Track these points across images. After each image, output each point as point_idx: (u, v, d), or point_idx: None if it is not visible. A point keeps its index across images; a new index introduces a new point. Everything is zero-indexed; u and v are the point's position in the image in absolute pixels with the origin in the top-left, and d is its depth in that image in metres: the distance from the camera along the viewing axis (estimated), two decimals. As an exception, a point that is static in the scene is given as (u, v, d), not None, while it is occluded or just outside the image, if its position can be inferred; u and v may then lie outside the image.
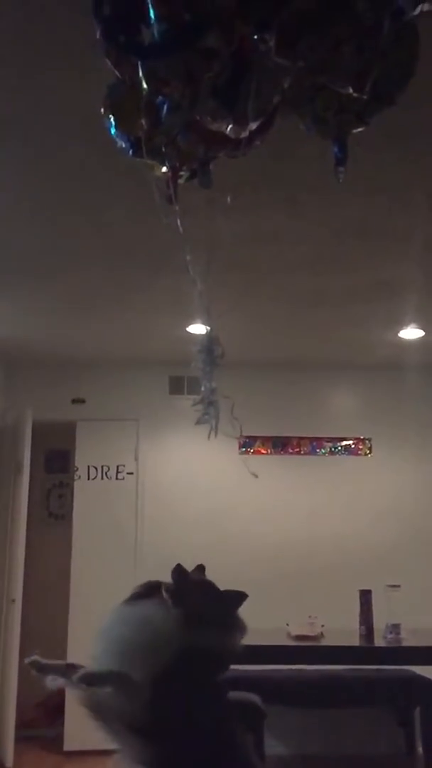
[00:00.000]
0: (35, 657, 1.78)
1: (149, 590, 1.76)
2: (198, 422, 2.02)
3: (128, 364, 6.02)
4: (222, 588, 1.78)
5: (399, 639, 3.91)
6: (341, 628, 4.15)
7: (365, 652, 3.91)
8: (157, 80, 1.47)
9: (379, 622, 4.05)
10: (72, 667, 1.68)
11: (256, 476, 2.52)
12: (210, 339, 2.03)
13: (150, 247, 3.78)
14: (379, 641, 3.93)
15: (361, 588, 4.16)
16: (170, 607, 1.67)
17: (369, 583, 4.18)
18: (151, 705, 1.52)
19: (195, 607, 1.67)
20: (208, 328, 2.09)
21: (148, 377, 6.09)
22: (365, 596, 4.11)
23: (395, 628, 3.95)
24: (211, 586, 1.79)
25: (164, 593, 1.70)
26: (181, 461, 6.05)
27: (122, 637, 1.65)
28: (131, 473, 6.02)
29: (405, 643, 3.89)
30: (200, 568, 1.87)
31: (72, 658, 6.11)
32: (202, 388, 2.01)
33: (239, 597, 1.75)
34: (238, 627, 1.73)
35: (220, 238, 3.52)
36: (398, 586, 4.01)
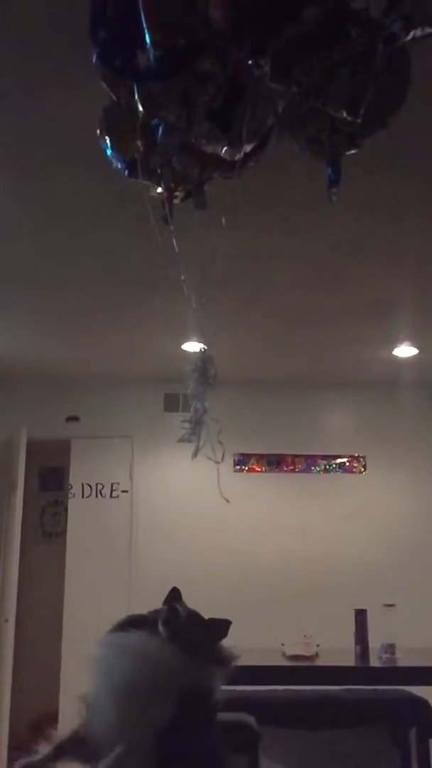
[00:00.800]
0: (24, 762, 1.64)
1: (133, 623, 1.70)
2: (180, 440, 2.01)
3: (123, 382, 6.02)
4: (204, 611, 1.72)
5: (394, 659, 3.89)
6: (336, 647, 4.12)
7: (361, 673, 3.88)
8: (152, 103, 1.49)
9: (375, 642, 4.03)
10: (61, 751, 1.59)
11: (228, 501, 2.49)
12: (204, 359, 2.03)
13: (145, 265, 3.79)
14: (374, 661, 3.90)
15: (356, 607, 4.14)
16: (166, 641, 1.61)
17: (364, 602, 4.16)
18: (159, 758, 1.47)
19: (189, 642, 1.62)
20: (203, 347, 2.09)
21: (142, 394, 6.09)
22: (360, 616, 4.08)
23: (390, 648, 3.92)
24: (198, 616, 1.73)
25: (160, 626, 1.63)
26: (175, 479, 6.03)
27: (121, 675, 1.57)
28: (126, 491, 6.00)
29: (400, 663, 3.86)
30: (175, 593, 1.79)
31: (65, 680, 6.05)
32: (192, 408, 2.01)
33: (225, 626, 1.70)
34: (228, 658, 1.68)
35: (214, 257, 3.53)
36: (393, 605, 3.99)
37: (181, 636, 1.62)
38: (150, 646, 1.60)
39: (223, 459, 2.05)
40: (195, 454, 1.96)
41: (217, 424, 1.98)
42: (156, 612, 1.69)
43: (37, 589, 6.17)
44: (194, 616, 1.73)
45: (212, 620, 1.71)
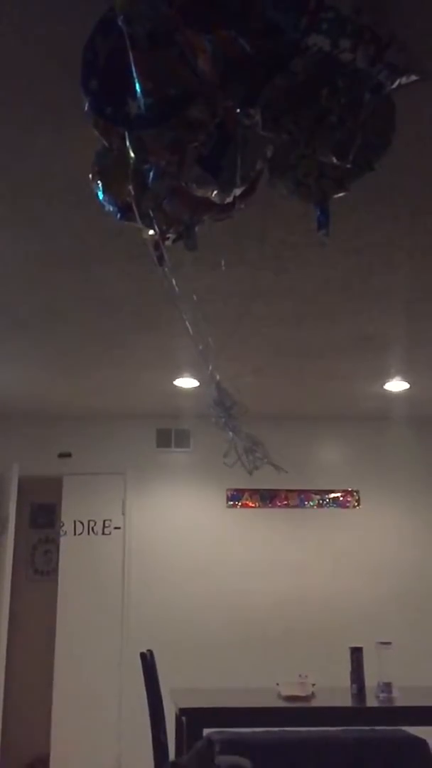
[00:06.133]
0: None
1: None
2: (252, 471, 2.00)
3: (115, 418, 6.01)
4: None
5: (391, 698, 3.83)
6: (332, 686, 4.06)
7: (357, 713, 3.82)
8: (143, 149, 1.51)
9: (371, 680, 3.97)
10: None
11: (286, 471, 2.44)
12: (219, 392, 2.04)
13: (136, 302, 3.82)
14: (371, 700, 3.85)
15: (352, 645, 4.09)
16: None
17: (359, 640, 4.11)
18: None
19: None
20: (217, 379, 2.10)
21: (135, 430, 6.08)
22: (356, 654, 4.03)
23: (387, 687, 3.87)
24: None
25: None
26: (168, 515, 6.00)
27: None
28: (118, 528, 5.95)
29: (397, 703, 3.80)
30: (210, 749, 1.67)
31: (56, 721, 5.94)
32: (231, 440, 2.00)
33: None
34: None
35: (207, 294, 3.56)
36: (389, 643, 3.95)
37: None
38: None
39: (252, 473, 2.05)
40: (280, 471, 1.96)
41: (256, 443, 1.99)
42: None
43: (29, 629, 6.07)
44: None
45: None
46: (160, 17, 1.37)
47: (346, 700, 3.91)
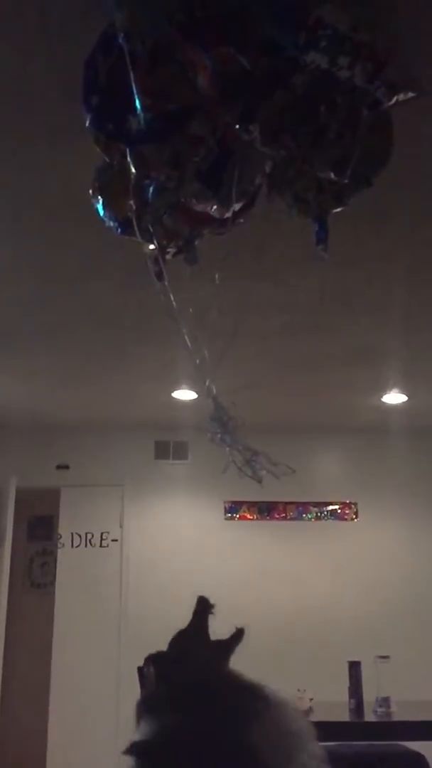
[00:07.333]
0: None
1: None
2: (261, 479, 1.99)
3: (113, 429, 6.01)
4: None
5: (389, 713, 3.81)
6: (330, 701, 4.04)
7: (355, 728, 3.79)
8: (144, 165, 1.53)
9: (368, 694, 3.95)
10: None
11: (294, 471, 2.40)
12: (217, 407, 2.04)
13: (134, 314, 3.83)
14: (369, 715, 3.82)
15: (350, 659, 4.07)
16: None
17: (357, 653, 4.09)
18: None
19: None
20: (214, 393, 2.10)
21: (133, 442, 6.07)
22: (354, 668, 4.01)
23: (385, 701, 3.85)
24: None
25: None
26: (166, 527, 5.98)
27: None
28: (116, 540, 5.94)
29: (395, 718, 3.78)
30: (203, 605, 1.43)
31: (53, 731, 5.90)
32: (229, 456, 2.01)
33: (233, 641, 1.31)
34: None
35: (205, 307, 3.57)
36: (388, 657, 3.93)
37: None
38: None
39: (261, 481, 2.04)
40: (260, 481, 1.94)
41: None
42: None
43: (25, 642, 6.04)
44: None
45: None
46: (160, 35, 1.39)
47: (344, 715, 3.89)
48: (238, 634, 1.30)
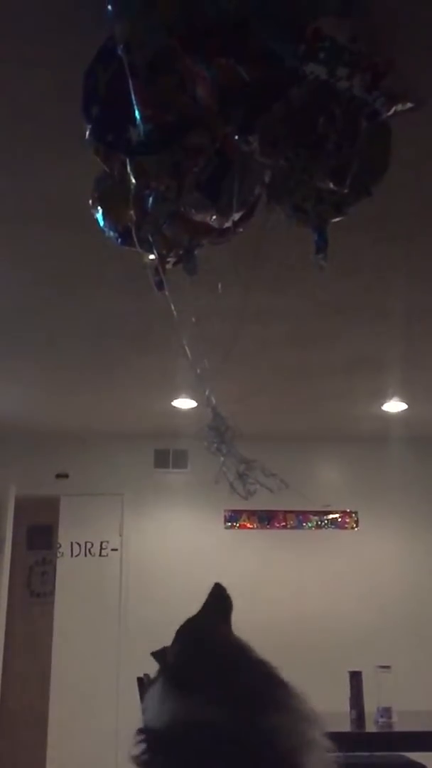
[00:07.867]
0: None
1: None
2: (248, 496, 1.98)
3: (113, 438, 6.00)
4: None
5: (391, 723, 3.78)
6: (331, 711, 3.98)
7: (357, 739, 3.76)
8: (144, 175, 1.53)
9: (369, 704, 3.92)
10: None
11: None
12: (215, 416, 2.04)
13: (134, 323, 3.83)
14: (370, 725, 3.79)
15: (351, 668, 4.04)
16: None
17: (357, 663, 4.07)
18: None
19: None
20: (213, 403, 2.10)
21: (132, 451, 6.06)
22: (355, 678, 3.98)
23: (386, 711, 3.82)
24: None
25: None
26: (166, 536, 5.97)
27: None
28: (115, 549, 5.92)
29: (397, 728, 3.75)
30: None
31: (53, 740, 5.85)
32: (221, 465, 2.00)
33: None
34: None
35: (205, 316, 3.57)
36: (389, 666, 3.91)
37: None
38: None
39: (249, 497, 2.03)
40: (246, 498, 1.92)
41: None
42: None
43: (25, 651, 6.01)
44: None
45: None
46: (160, 46, 1.40)
47: (345, 725, 3.86)
48: (215, 590, 1.14)
